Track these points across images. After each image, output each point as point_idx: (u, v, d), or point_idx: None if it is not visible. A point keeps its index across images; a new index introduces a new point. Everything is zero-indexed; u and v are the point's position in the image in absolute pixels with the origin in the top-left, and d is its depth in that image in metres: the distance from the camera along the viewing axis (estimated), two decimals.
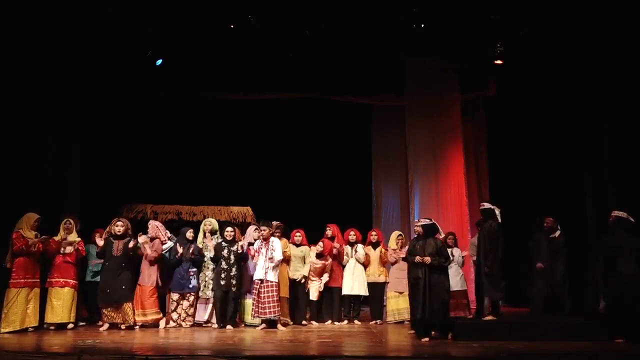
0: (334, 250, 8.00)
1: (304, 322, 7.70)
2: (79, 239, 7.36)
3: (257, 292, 7.15)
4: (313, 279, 7.89)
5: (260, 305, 7.12)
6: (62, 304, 7.04)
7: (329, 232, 8.22)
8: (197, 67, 10.13)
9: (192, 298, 7.53)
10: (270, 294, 7.12)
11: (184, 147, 10.84)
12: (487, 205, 7.05)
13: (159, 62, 9.70)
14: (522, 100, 10.14)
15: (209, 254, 7.56)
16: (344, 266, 8.12)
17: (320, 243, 7.95)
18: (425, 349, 5.64)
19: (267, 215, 7.74)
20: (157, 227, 7.65)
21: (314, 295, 7.85)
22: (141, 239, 7.40)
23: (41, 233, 7.06)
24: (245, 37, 9.25)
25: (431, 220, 6.59)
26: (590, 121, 8.97)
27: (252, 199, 9.88)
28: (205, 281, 7.54)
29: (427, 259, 6.13)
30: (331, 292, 8.00)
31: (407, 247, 8.16)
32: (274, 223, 7.60)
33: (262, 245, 7.28)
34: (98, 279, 7.38)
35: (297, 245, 7.90)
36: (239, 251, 7.44)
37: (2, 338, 6.30)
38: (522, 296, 8.48)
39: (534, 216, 8.40)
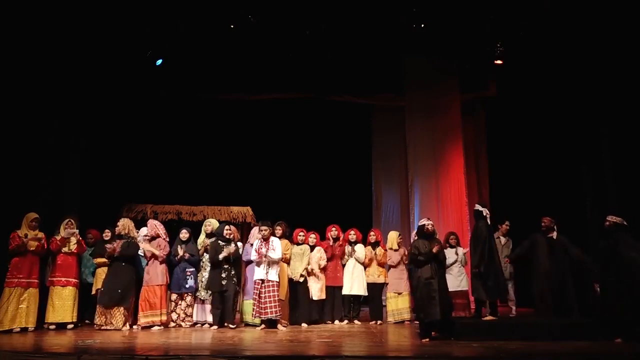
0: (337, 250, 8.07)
1: (303, 323, 7.68)
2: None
3: (257, 292, 7.15)
4: (315, 278, 7.91)
5: (260, 305, 7.11)
6: (63, 303, 7.05)
7: (334, 233, 8.22)
8: (197, 67, 10.15)
9: (189, 298, 7.53)
10: (270, 294, 7.11)
11: (184, 147, 10.85)
12: (477, 207, 7.08)
13: (159, 62, 9.71)
14: (522, 100, 10.15)
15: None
16: (343, 266, 8.12)
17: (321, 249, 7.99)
18: (425, 349, 5.63)
19: (267, 216, 7.74)
20: (155, 225, 7.63)
21: (316, 295, 7.85)
22: (143, 246, 7.38)
23: (44, 233, 7.09)
24: (245, 37, 9.25)
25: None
26: (590, 121, 8.97)
27: (252, 199, 9.88)
28: (202, 282, 7.54)
29: (438, 246, 6.24)
30: (333, 291, 8.01)
31: (402, 248, 8.21)
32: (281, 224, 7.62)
33: (262, 245, 7.27)
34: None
35: (298, 244, 7.90)
36: (232, 249, 7.38)
37: (1, 338, 6.29)
38: (526, 297, 8.45)
39: (534, 216, 8.38)
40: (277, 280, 7.22)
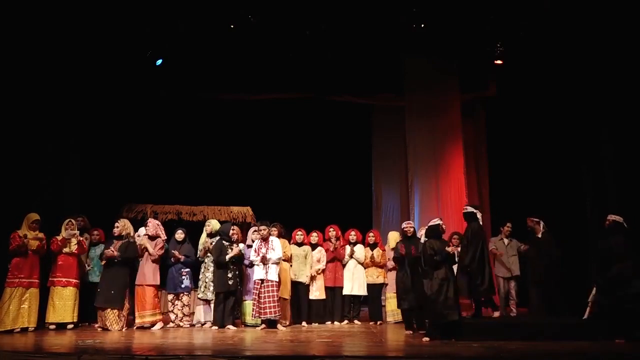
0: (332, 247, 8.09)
1: (304, 323, 7.68)
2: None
3: (257, 292, 7.14)
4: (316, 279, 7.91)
5: (260, 305, 7.11)
6: (63, 303, 7.05)
7: (333, 233, 8.21)
8: (197, 67, 10.13)
9: (185, 298, 7.54)
10: (270, 293, 7.11)
11: (183, 147, 10.84)
12: (469, 208, 7.08)
13: (159, 62, 9.70)
14: (522, 101, 10.13)
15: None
16: (344, 266, 8.12)
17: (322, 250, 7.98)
18: (425, 349, 5.63)
19: (267, 216, 7.73)
20: (157, 225, 7.64)
21: (315, 295, 7.84)
22: (141, 240, 7.38)
23: (44, 233, 7.08)
24: (245, 37, 9.24)
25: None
26: (590, 121, 8.96)
27: (252, 199, 9.87)
28: (206, 282, 7.53)
29: (452, 247, 6.32)
30: (333, 292, 8.00)
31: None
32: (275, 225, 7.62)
33: (261, 245, 7.27)
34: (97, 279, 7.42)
35: (299, 245, 7.89)
36: (234, 250, 7.38)
37: (2, 338, 6.29)
38: (523, 297, 8.47)
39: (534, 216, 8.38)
40: (277, 280, 7.22)
